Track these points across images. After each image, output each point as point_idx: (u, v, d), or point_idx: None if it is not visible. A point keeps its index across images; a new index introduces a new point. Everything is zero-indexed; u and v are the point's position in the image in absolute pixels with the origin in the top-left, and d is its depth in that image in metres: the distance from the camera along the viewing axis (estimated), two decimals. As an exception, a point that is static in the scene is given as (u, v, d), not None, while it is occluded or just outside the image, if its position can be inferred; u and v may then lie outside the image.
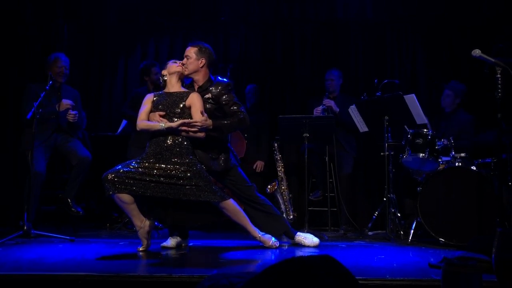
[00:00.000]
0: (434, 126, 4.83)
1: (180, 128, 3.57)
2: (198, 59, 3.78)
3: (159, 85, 3.94)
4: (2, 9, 5.51)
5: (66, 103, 4.63)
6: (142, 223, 3.58)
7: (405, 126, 4.46)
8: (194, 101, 3.67)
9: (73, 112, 4.64)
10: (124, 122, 5.44)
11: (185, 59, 3.80)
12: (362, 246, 4.05)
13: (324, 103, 5.08)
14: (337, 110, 5.10)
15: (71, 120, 4.65)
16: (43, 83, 4.37)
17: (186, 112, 3.66)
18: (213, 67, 3.91)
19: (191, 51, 3.80)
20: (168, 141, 3.60)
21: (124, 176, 3.45)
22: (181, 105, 3.66)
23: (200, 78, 3.82)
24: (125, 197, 3.47)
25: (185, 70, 3.79)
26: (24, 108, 4.50)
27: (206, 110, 3.66)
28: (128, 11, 6.04)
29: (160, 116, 3.64)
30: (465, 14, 5.68)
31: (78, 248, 3.78)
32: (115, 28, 6.14)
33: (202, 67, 3.80)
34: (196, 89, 3.82)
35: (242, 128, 3.84)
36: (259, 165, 5.43)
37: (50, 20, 5.85)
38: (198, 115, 3.60)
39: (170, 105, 3.67)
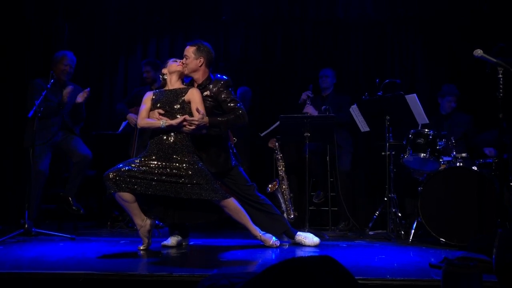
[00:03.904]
0: (435, 126, 4.83)
1: (180, 125, 3.57)
2: (197, 58, 3.77)
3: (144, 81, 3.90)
4: (3, 8, 5.51)
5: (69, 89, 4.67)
6: (143, 222, 3.58)
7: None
8: (194, 96, 3.66)
9: (86, 90, 4.71)
10: (125, 121, 5.44)
11: (184, 58, 3.80)
12: (363, 245, 4.04)
13: (302, 98, 5.08)
14: (315, 113, 5.06)
15: (81, 100, 4.68)
16: (48, 79, 4.37)
17: (186, 107, 3.65)
18: (212, 65, 3.90)
19: (190, 51, 3.79)
20: (170, 139, 3.59)
21: (125, 175, 3.45)
22: (180, 101, 3.65)
23: (199, 77, 3.82)
24: (127, 196, 3.46)
25: (185, 70, 3.79)
26: (28, 104, 4.49)
27: (205, 108, 3.66)
28: (128, 11, 6.04)
29: (160, 114, 3.63)
30: (465, 14, 5.67)
31: (78, 246, 3.79)
32: (115, 28, 6.14)
33: (201, 66, 3.79)
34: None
35: (240, 125, 3.81)
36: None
37: (50, 19, 5.85)
38: (195, 112, 3.59)
39: (169, 102, 3.67)
